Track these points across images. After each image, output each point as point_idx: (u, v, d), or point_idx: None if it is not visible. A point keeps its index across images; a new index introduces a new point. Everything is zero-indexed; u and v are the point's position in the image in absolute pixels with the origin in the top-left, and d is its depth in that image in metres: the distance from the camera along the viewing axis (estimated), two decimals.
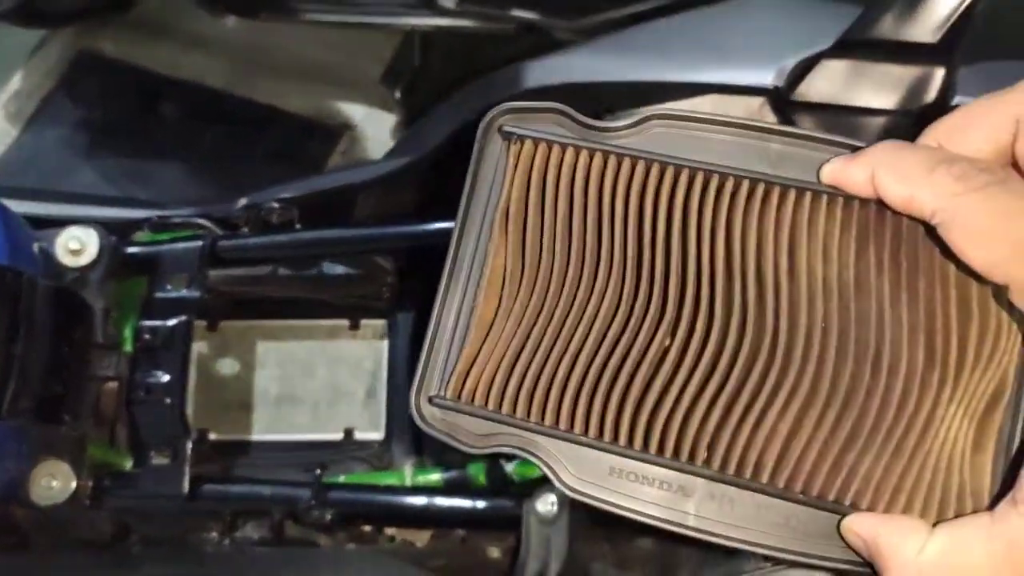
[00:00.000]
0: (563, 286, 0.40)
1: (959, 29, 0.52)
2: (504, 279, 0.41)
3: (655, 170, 0.40)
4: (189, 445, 0.68)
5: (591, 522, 0.64)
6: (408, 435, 0.78)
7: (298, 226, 0.75)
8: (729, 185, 0.39)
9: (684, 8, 0.74)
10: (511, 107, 0.41)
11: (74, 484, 0.67)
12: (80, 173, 1.21)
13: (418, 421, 0.40)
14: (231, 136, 1.31)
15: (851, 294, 0.37)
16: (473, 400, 0.40)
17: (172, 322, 0.70)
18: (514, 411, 0.40)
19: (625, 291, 0.40)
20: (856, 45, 0.55)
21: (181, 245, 0.74)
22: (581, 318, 0.40)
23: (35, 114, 1.26)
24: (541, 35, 0.89)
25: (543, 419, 0.39)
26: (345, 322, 0.81)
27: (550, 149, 0.41)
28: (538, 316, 0.40)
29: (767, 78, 0.58)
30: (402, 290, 0.80)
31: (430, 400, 0.40)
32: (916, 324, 0.36)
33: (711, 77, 0.60)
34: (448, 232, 0.70)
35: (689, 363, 0.38)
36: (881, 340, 0.37)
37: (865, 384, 0.37)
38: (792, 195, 0.39)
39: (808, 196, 0.38)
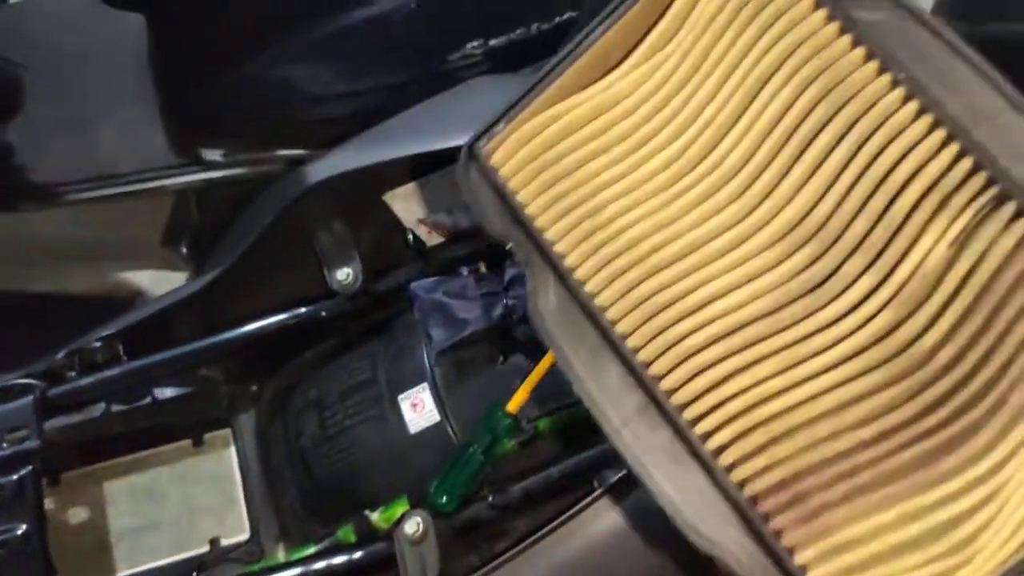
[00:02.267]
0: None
1: None
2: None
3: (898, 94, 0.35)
4: None
5: (456, 537, 0.72)
6: (273, 524, 0.82)
7: (124, 359, 0.80)
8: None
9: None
10: None
11: None
12: None
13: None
14: (10, 332, 1.28)
15: None
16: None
17: (17, 475, 0.72)
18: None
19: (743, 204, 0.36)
20: None
21: (10, 404, 0.76)
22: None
23: None
24: None
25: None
26: (188, 441, 0.85)
27: None
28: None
29: None
30: (238, 394, 0.86)
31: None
32: None
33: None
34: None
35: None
36: None
37: None
38: None
39: None
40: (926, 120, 0.36)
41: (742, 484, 0.37)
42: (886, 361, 0.35)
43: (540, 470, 0.73)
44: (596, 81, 0.42)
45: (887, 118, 0.36)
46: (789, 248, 0.37)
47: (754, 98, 0.38)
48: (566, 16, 0.82)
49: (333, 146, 0.96)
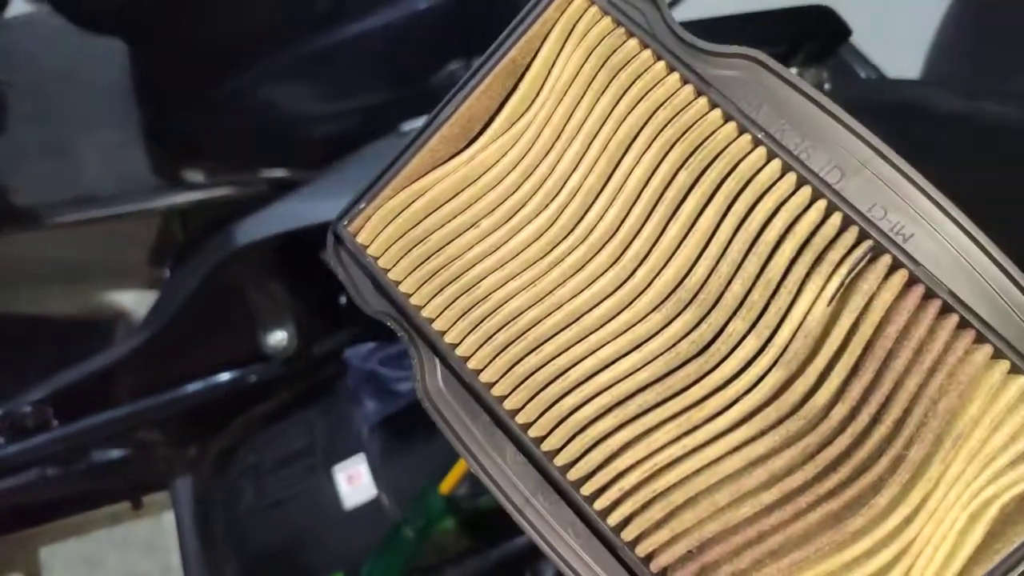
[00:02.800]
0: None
1: None
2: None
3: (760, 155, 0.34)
4: None
5: None
6: None
7: (55, 423, 0.76)
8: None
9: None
10: None
11: None
12: None
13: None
14: None
15: None
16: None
17: None
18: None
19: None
20: None
21: None
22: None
23: None
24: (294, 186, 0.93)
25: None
26: (127, 504, 0.82)
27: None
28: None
29: None
30: (177, 457, 0.82)
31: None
32: None
33: None
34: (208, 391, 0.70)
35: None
36: None
37: None
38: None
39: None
40: (791, 178, 0.34)
41: (648, 558, 0.34)
42: (780, 422, 0.34)
43: (478, 551, 0.69)
44: (459, 152, 0.39)
45: (752, 177, 0.35)
46: (673, 311, 0.35)
47: (619, 163, 0.36)
48: None
49: (316, 167, 0.93)
